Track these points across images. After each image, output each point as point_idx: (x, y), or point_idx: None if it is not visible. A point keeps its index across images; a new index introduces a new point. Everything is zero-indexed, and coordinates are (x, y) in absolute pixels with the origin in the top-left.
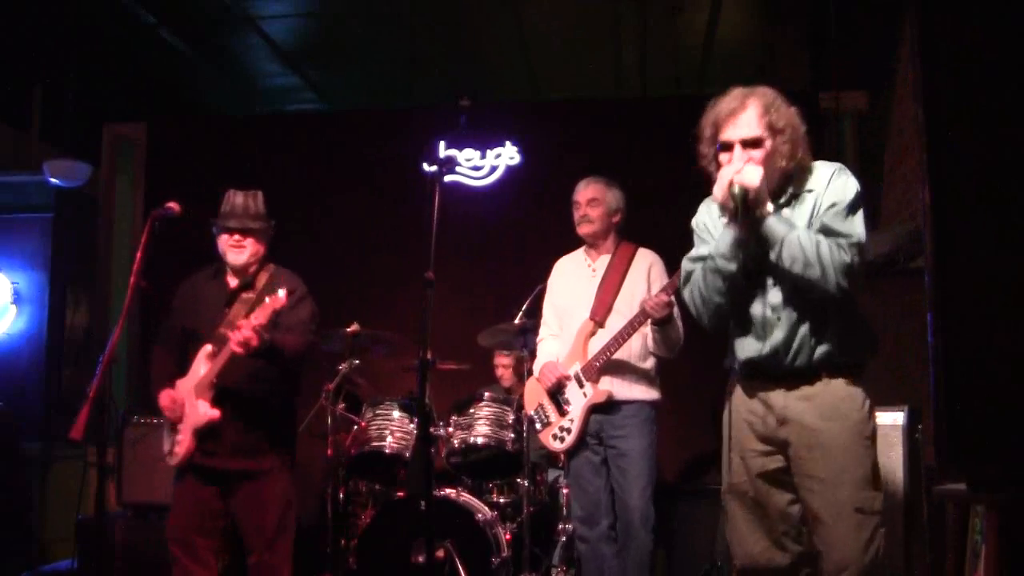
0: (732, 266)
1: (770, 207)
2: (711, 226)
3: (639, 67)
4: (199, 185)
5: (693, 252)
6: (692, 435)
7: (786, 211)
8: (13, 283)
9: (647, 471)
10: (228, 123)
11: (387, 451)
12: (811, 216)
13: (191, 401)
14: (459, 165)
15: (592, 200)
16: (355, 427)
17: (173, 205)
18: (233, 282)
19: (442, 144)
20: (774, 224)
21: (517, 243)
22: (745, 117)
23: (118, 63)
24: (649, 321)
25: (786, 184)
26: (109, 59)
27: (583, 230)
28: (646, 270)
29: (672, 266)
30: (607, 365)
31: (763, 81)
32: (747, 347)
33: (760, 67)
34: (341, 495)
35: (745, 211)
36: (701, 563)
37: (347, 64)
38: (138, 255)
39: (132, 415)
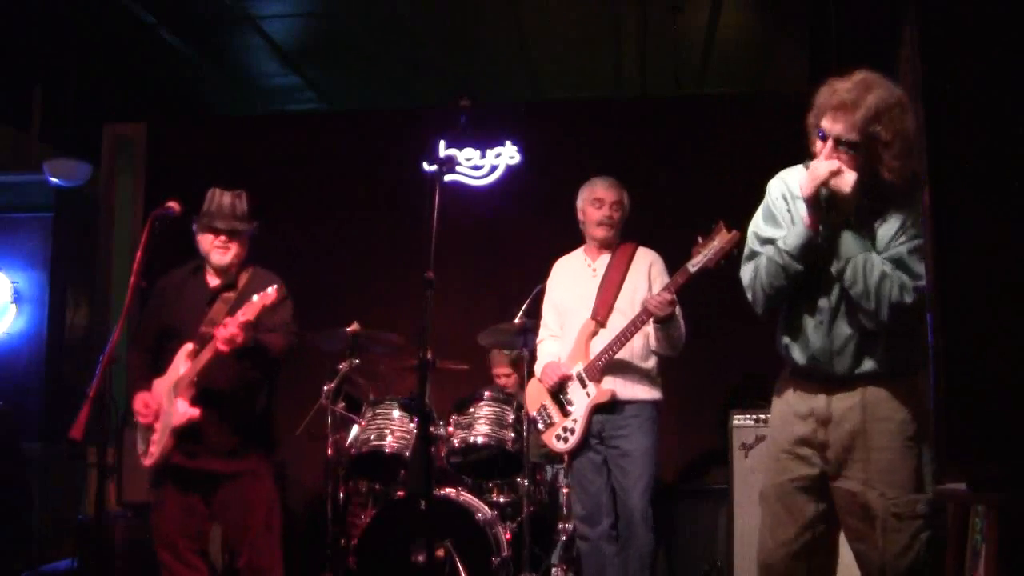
0: (798, 266)
1: (851, 219)
2: (788, 208)
3: (639, 67)
4: (199, 185)
5: (762, 229)
6: (693, 435)
7: (874, 223)
8: (13, 283)
9: (648, 471)
10: (228, 123)
11: (387, 451)
12: (897, 230)
13: (169, 400)
14: (459, 165)
15: (616, 203)
16: (355, 427)
17: (173, 205)
18: (214, 281)
19: (442, 144)
20: (849, 240)
21: (517, 243)
22: (851, 117)
23: (118, 63)
24: (652, 320)
25: (878, 194)
26: (109, 59)
27: (603, 232)
28: (647, 269)
29: (672, 265)
30: (609, 364)
31: (763, 81)
32: (793, 349)
33: (760, 67)
34: (341, 495)
35: (828, 216)
36: (702, 563)
37: (347, 64)
38: (138, 255)
39: (132, 415)
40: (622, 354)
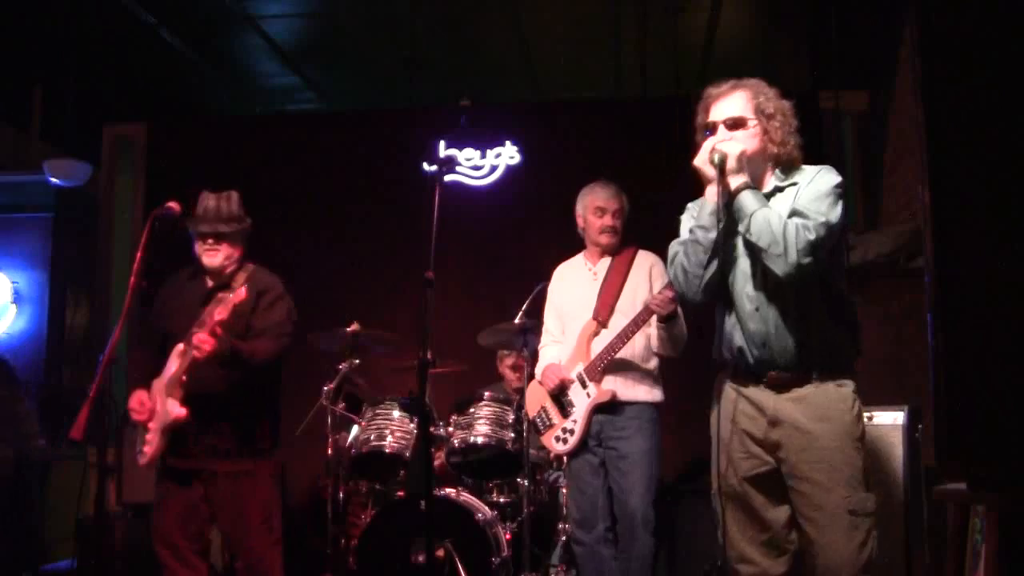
0: (711, 235)
1: (747, 179)
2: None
3: (639, 67)
4: (199, 185)
5: (681, 235)
6: (693, 435)
7: (772, 198)
8: (13, 283)
9: (648, 473)
10: (228, 123)
11: (387, 451)
12: (790, 208)
13: (161, 400)
14: (459, 165)
15: (618, 211)
16: (355, 427)
17: (173, 205)
18: (211, 283)
19: (442, 144)
20: (747, 197)
21: (517, 243)
22: (731, 99)
23: (118, 63)
24: (654, 319)
25: (772, 169)
26: (109, 59)
27: (607, 240)
28: (647, 271)
29: None
30: (611, 365)
31: (763, 81)
32: (731, 340)
33: (760, 67)
34: (341, 495)
35: (721, 177)
36: (702, 563)
37: (347, 64)
38: (138, 255)
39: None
40: (623, 354)
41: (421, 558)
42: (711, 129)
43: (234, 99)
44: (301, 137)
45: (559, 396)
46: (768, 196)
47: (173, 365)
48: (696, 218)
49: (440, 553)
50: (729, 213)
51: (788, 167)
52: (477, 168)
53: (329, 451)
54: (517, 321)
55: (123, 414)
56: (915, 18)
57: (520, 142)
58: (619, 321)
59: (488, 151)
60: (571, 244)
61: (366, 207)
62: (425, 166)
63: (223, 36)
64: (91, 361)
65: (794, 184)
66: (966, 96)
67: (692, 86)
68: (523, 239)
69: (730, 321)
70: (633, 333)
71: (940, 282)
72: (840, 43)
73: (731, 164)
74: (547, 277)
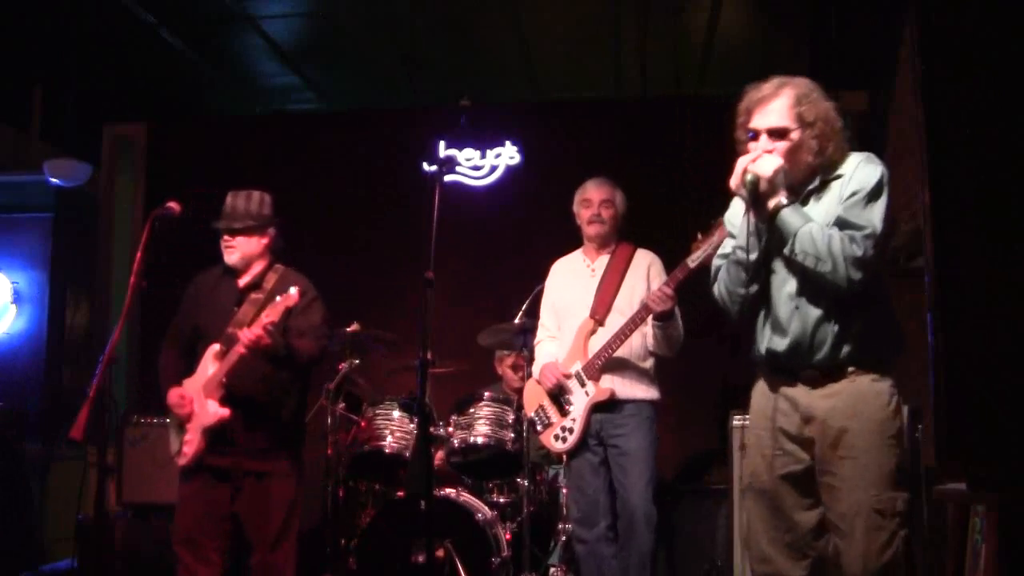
0: (751, 256)
1: (784, 199)
2: (736, 220)
3: (639, 67)
4: (199, 185)
5: (722, 248)
6: (692, 435)
7: (812, 202)
8: (13, 283)
9: (648, 470)
10: (228, 123)
11: (387, 451)
12: (837, 204)
13: (200, 400)
14: (459, 165)
15: (605, 201)
16: (355, 427)
17: (173, 205)
18: (242, 282)
19: (442, 144)
20: (788, 216)
21: (517, 243)
22: (775, 106)
23: (118, 63)
24: (651, 319)
25: (813, 176)
26: (109, 59)
27: (594, 230)
28: (645, 269)
29: (671, 266)
30: (608, 363)
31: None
32: (769, 339)
33: (760, 67)
34: (341, 495)
35: (756, 200)
36: (701, 563)
37: (347, 64)
38: (138, 255)
39: (132, 415)
40: (621, 353)
41: (421, 558)
42: (755, 135)
43: (234, 99)
44: (301, 137)
45: (557, 395)
46: (813, 192)
47: (210, 367)
48: (737, 237)
49: (440, 553)
50: (771, 230)
51: (832, 164)
52: (477, 168)
53: (329, 451)
54: (517, 321)
55: (123, 414)
56: (915, 18)
57: (520, 142)
58: (616, 320)
59: (488, 151)
60: (571, 244)
61: (366, 207)
62: (425, 166)
63: (223, 36)
64: (91, 361)
65: (838, 177)
66: (966, 96)
67: (692, 86)
68: (523, 239)
69: (768, 319)
70: (631, 332)
71: (940, 282)
72: (840, 43)
73: (763, 187)
74: (547, 277)
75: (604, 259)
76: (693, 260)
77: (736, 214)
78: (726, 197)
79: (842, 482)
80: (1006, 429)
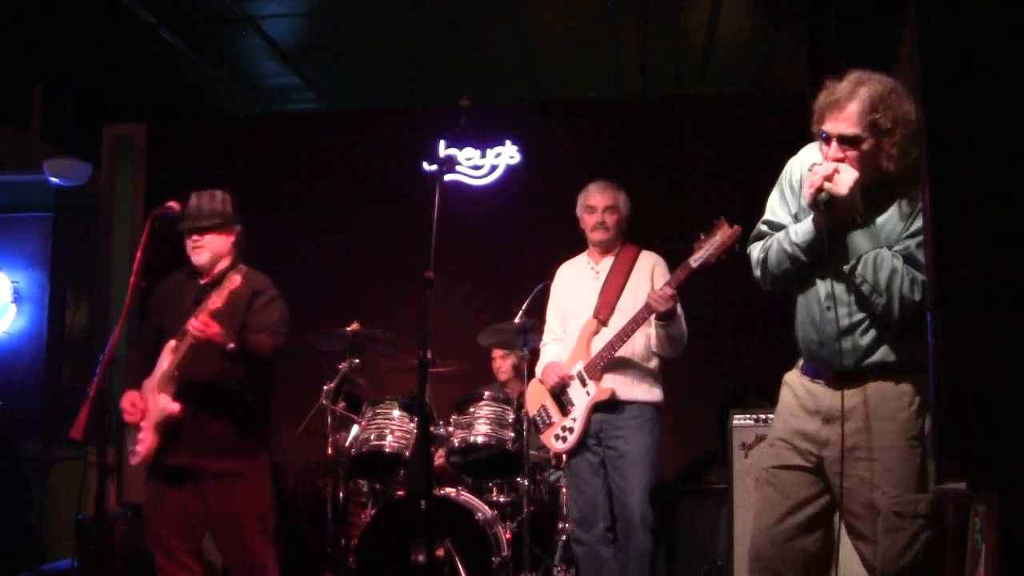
0: (804, 259)
1: (857, 216)
2: (778, 206)
3: (639, 67)
4: (199, 185)
5: (775, 213)
6: (693, 435)
7: (883, 215)
8: (13, 283)
9: (647, 473)
10: (228, 123)
11: (387, 451)
12: (905, 222)
13: (153, 397)
14: (459, 165)
15: (609, 207)
16: (355, 426)
17: (173, 204)
18: (203, 282)
19: (442, 144)
20: (858, 237)
21: (517, 243)
22: (846, 112)
23: (118, 63)
24: (653, 318)
25: (887, 184)
26: (109, 59)
27: (599, 236)
28: (650, 270)
29: (673, 266)
30: (610, 363)
31: (763, 81)
32: (804, 334)
33: (760, 67)
34: (341, 495)
35: (831, 218)
36: (702, 563)
37: (347, 64)
38: (138, 255)
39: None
40: (623, 353)
41: (421, 558)
42: (827, 138)
43: (234, 99)
44: (301, 137)
45: (559, 394)
46: (872, 211)
47: (165, 361)
48: (796, 231)
49: (440, 553)
50: (833, 239)
51: (913, 169)
52: (477, 168)
53: (329, 451)
54: (517, 321)
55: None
56: (915, 18)
57: (520, 142)
58: (620, 320)
59: (488, 151)
60: (571, 244)
61: (366, 207)
62: (425, 166)
63: (223, 36)
64: (91, 361)
65: (914, 192)
66: (966, 96)
67: (692, 86)
68: (523, 239)
69: (803, 316)
70: (633, 331)
71: (940, 282)
72: (840, 43)
73: (840, 206)
74: (547, 277)
75: (608, 261)
76: (695, 260)
77: (801, 175)
78: (726, 197)
79: (861, 484)
80: (1006, 429)
